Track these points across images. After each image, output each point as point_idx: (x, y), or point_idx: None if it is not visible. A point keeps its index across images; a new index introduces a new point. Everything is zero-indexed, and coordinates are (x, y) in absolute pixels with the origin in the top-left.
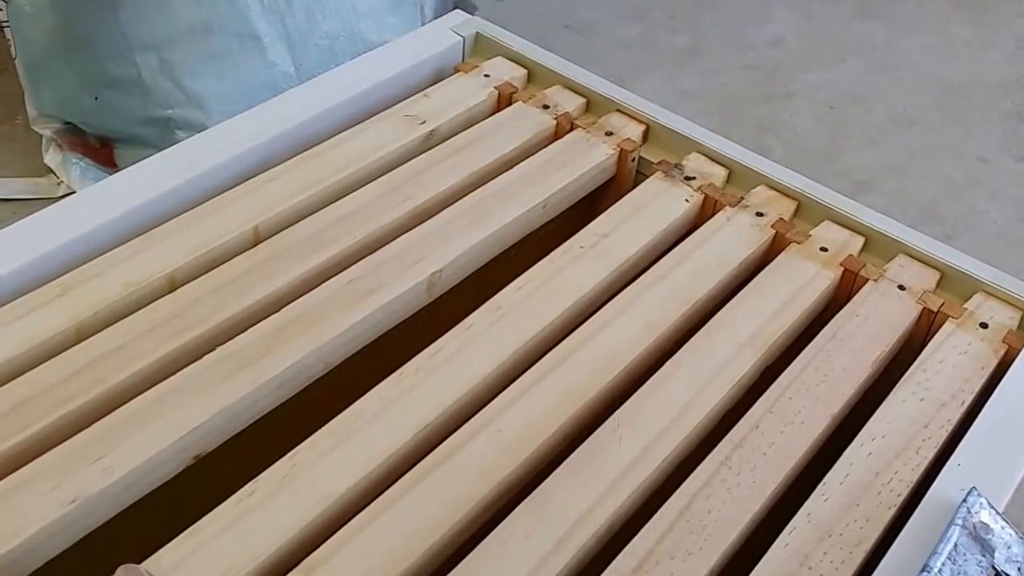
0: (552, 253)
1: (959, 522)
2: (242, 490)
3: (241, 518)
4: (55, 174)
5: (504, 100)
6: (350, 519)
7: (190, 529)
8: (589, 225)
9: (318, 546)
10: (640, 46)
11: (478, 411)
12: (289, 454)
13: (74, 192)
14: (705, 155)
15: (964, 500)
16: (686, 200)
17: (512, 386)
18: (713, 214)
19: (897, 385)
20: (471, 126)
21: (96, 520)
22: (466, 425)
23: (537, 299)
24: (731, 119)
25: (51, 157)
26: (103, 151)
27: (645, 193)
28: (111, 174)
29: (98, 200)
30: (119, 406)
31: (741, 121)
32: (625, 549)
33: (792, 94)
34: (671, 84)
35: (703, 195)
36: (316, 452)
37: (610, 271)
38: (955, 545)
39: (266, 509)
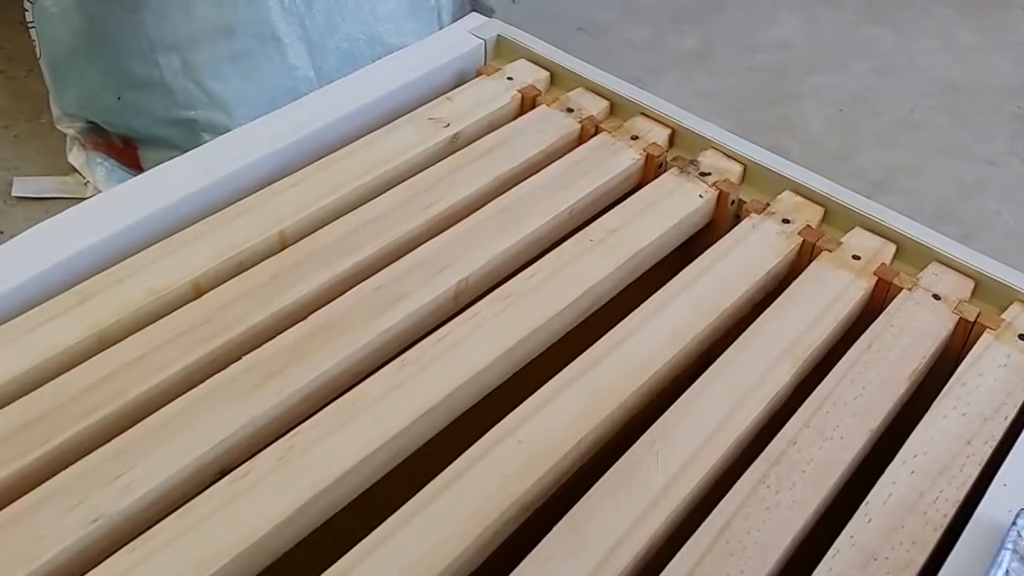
0: (563, 245)
1: (1009, 546)
2: (236, 471)
3: (234, 499)
4: (80, 173)
5: (527, 103)
6: (346, 504)
7: (182, 509)
8: (600, 218)
9: (310, 531)
10: (651, 49)
11: (481, 399)
12: (287, 436)
13: (101, 193)
14: (730, 157)
15: (1013, 523)
16: (700, 196)
17: (534, 396)
18: (738, 216)
19: (937, 399)
20: (495, 129)
21: (119, 539)
22: (487, 435)
23: (546, 289)
24: (745, 120)
25: (75, 156)
26: (127, 151)
27: (659, 189)
28: (135, 175)
29: (119, 204)
30: (142, 418)
31: (755, 122)
32: (663, 573)
33: (801, 96)
34: (684, 86)
35: (717, 191)
36: (314, 434)
37: (619, 264)
38: (1006, 571)
39: (259, 490)
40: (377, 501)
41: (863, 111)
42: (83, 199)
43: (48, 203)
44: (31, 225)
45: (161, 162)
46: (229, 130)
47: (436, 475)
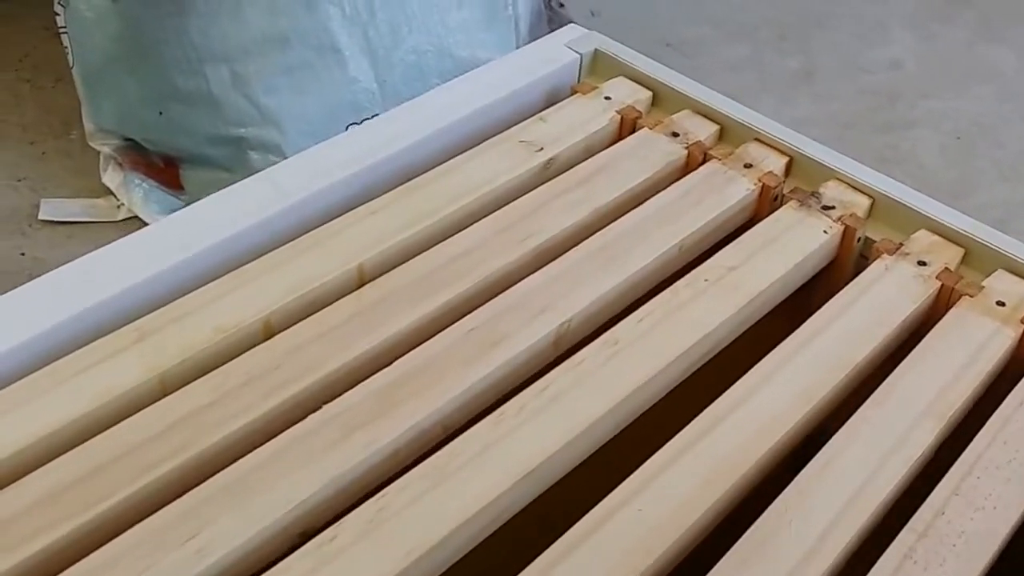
0: (675, 284)
1: None
2: (322, 535)
3: (322, 566)
4: (115, 195)
5: (627, 126)
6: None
7: None
8: (715, 256)
9: None
10: (748, 68)
11: (589, 456)
12: (375, 497)
13: (136, 216)
14: (856, 189)
15: None
16: (824, 232)
17: (653, 458)
18: (864, 256)
19: None
20: (591, 155)
21: None
22: (603, 502)
23: (657, 334)
24: (849, 149)
25: (110, 177)
26: (168, 171)
27: (777, 223)
28: (177, 197)
29: (181, 231)
30: (212, 474)
31: (861, 151)
32: None
33: (914, 123)
34: (783, 110)
35: (843, 227)
36: (406, 496)
37: (739, 307)
38: None
39: (350, 557)
40: (480, 566)
41: (983, 140)
42: (114, 223)
43: (72, 227)
44: (54, 249)
45: (205, 183)
46: (281, 149)
47: (538, 539)
